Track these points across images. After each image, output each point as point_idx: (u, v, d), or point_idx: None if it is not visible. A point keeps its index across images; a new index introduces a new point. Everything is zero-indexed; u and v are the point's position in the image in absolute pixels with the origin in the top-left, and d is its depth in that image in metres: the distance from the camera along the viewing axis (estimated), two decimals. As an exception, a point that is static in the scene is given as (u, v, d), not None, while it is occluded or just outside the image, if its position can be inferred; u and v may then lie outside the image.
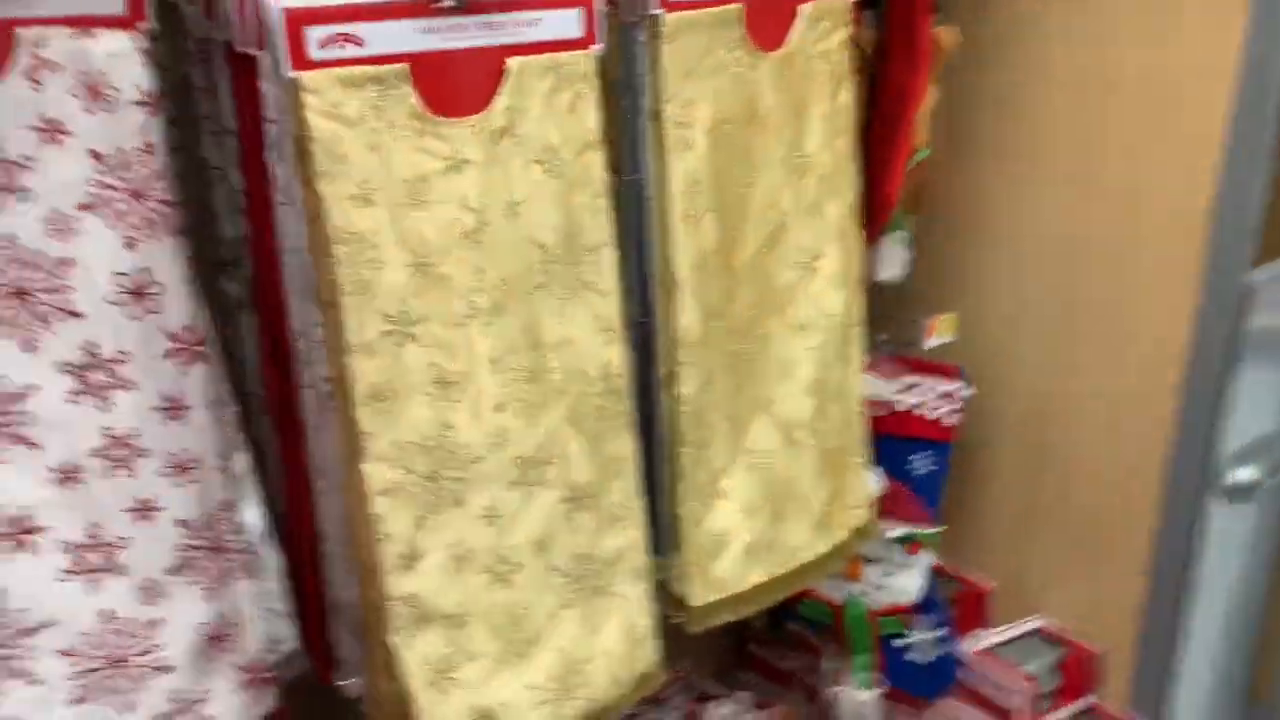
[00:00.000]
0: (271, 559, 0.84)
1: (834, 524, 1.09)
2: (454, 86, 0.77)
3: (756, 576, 1.03)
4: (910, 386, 1.29)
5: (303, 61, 0.71)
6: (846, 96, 1.00)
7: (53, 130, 0.67)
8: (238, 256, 0.84)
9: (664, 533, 0.98)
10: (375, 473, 0.77)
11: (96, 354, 0.70)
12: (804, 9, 0.95)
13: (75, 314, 0.69)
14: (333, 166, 0.72)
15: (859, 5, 1.02)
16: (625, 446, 0.90)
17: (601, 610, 0.90)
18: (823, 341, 1.04)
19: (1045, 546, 1.35)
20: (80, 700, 0.73)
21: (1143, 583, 1.25)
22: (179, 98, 0.80)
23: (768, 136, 0.95)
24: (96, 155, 0.69)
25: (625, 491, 0.91)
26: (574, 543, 0.88)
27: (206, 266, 0.83)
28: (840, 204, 1.02)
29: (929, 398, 1.29)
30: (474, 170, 0.78)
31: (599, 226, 0.85)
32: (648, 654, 0.94)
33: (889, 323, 1.25)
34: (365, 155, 0.73)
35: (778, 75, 0.94)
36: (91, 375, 0.71)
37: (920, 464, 1.30)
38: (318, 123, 0.71)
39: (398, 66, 0.74)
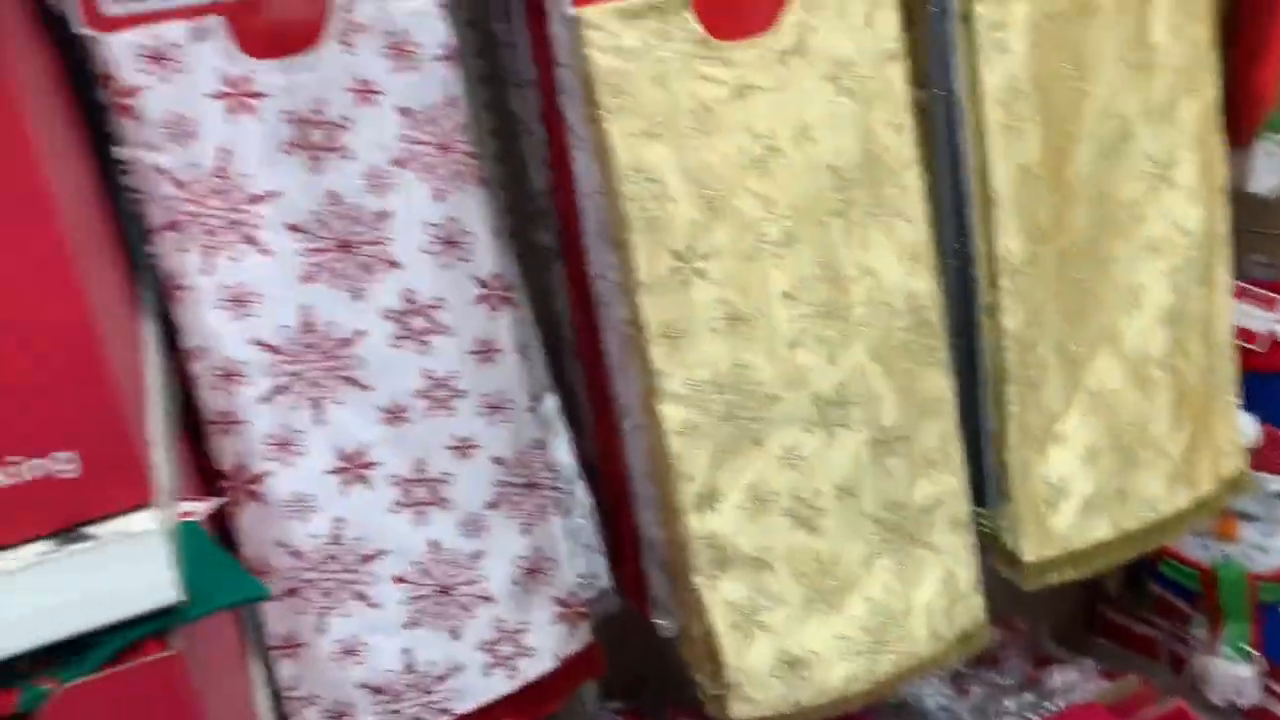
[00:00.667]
0: (583, 497, 0.86)
1: (1197, 475, 0.96)
2: (736, 7, 0.73)
3: (1100, 532, 0.92)
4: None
5: (583, -2, 0.70)
6: (1202, -28, 0.86)
7: (365, 90, 0.70)
8: (547, 207, 0.85)
9: (990, 481, 0.90)
10: (671, 412, 0.75)
11: (415, 301, 0.74)
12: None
13: (394, 264, 0.73)
14: (617, 102, 0.71)
15: None
16: (939, 385, 0.83)
17: (917, 561, 0.84)
18: (1179, 264, 0.91)
19: None
20: (413, 624, 0.77)
21: None
22: (488, 55, 0.82)
23: (1102, 29, 0.83)
24: (405, 112, 0.71)
25: (941, 434, 0.84)
26: (884, 488, 0.82)
27: (521, 219, 0.85)
28: (1198, 103, 0.88)
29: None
30: (761, 95, 0.74)
31: (903, 146, 0.78)
32: (971, 609, 0.87)
33: (1264, 241, 1.08)
34: (648, 88, 0.71)
35: (1114, -43, 0.82)
36: (411, 321, 0.74)
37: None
38: (600, 59, 0.70)
39: (677, -8, 0.71)
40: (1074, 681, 1.15)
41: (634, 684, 1.10)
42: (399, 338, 0.74)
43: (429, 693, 0.79)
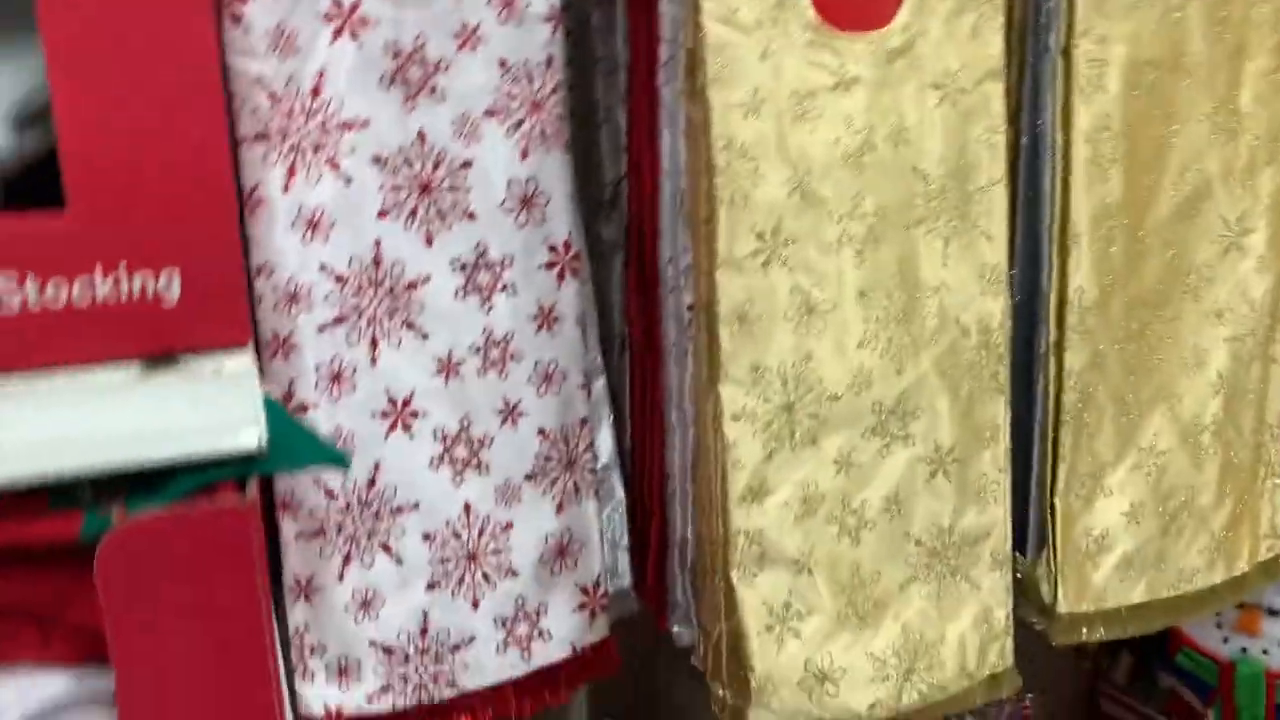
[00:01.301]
0: (618, 489, 0.84)
1: (1234, 552, 0.93)
2: (853, 1, 0.74)
3: (1136, 594, 0.89)
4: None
5: (702, -30, 0.70)
6: (1294, 48, 0.87)
7: (469, 36, 0.70)
8: (614, 196, 0.84)
9: (1032, 525, 0.88)
10: (731, 396, 0.74)
11: (484, 256, 0.73)
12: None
13: (470, 214, 0.72)
14: (724, 72, 0.71)
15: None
16: (998, 414, 0.82)
17: (956, 592, 0.82)
18: (1241, 334, 0.90)
19: None
20: (434, 586, 0.75)
21: None
22: (578, 39, 0.82)
23: (1194, 87, 0.83)
24: (503, 64, 0.71)
25: (995, 464, 0.82)
26: (932, 510, 0.80)
27: (588, 207, 0.84)
28: (1278, 174, 0.88)
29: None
30: (863, 89, 0.74)
31: (994, 163, 0.78)
32: (1003, 651, 0.85)
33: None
34: (756, 63, 0.71)
35: (1208, 17, 0.83)
36: (479, 275, 0.73)
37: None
38: (714, 28, 0.70)
39: (796, -26, 0.72)
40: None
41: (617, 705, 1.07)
42: (464, 290, 0.73)
43: (439, 661, 0.76)
